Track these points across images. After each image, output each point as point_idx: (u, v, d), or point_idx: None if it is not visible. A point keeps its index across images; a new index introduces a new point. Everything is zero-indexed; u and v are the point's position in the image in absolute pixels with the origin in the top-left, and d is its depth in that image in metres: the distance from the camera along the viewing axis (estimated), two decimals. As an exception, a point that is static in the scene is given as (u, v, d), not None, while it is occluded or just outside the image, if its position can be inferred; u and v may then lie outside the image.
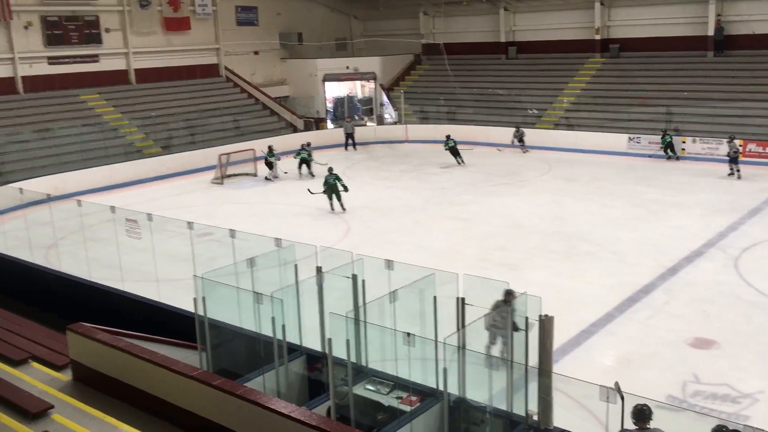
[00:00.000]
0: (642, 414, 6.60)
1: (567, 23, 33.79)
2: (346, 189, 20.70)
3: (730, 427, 6.21)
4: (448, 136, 27.65)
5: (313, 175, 25.53)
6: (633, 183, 23.11)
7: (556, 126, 30.32)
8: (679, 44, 30.66)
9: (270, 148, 26.04)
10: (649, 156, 26.67)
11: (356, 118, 35.96)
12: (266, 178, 25.75)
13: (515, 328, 8.29)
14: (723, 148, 24.44)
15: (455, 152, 27.11)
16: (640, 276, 14.44)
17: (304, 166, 26.09)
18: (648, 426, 6.59)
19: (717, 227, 17.66)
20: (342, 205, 20.68)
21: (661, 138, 26.60)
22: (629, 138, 27.50)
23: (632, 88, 30.12)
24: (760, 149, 24.99)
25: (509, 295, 9.86)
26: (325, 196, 20.78)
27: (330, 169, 21.31)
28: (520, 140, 29.16)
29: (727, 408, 9.46)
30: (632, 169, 25.32)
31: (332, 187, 20.66)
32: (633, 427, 6.66)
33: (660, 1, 30.92)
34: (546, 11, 34.37)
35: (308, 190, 21.73)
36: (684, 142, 26.56)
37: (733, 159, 23.22)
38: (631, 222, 18.55)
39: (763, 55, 28.42)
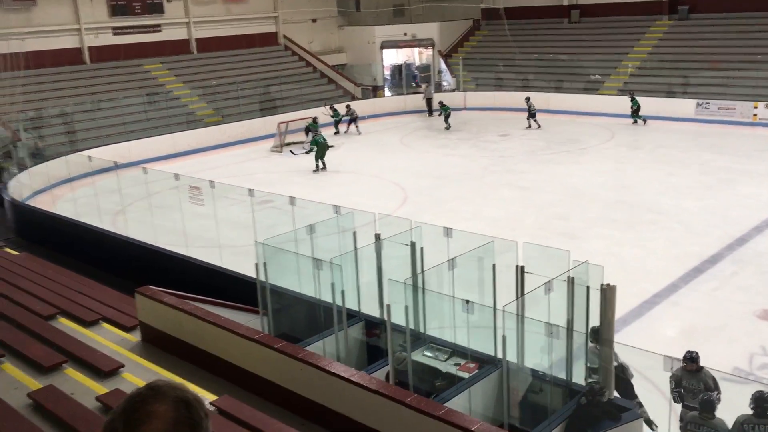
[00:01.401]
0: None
1: (633, -16, 32.60)
2: (330, 146, 21.97)
3: None
4: (441, 103, 28.62)
5: (359, 132, 27.69)
6: (701, 150, 22.31)
7: (620, 92, 29.44)
8: (752, 4, 29.20)
9: (314, 120, 26.07)
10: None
11: (413, 85, 35.69)
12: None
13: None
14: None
15: (447, 116, 28.09)
16: (706, 246, 14.01)
17: (348, 126, 27.46)
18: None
19: (790, 196, 16.98)
20: (325, 164, 21.69)
21: (631, 100, 26.05)
22: (698, 104, 26.50)
23: (702, 52, 28.92)
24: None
25: (692, 362, 7.50)
26: (310, 156, 21.70)
27: (312, 128, 23.05)
28: (532, 115, 26.58)
29: (797, 382, 9.17)
30: (701, 136, 24.43)
31: (324, 146, 21.53)
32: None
33: (733, -42, 29.55)
34: (611, -28, 33.21)
35: (291, 152, 22.25)
36: (756, 108, 25.45)
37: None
38: (699, 191, 17.95)
39: None
